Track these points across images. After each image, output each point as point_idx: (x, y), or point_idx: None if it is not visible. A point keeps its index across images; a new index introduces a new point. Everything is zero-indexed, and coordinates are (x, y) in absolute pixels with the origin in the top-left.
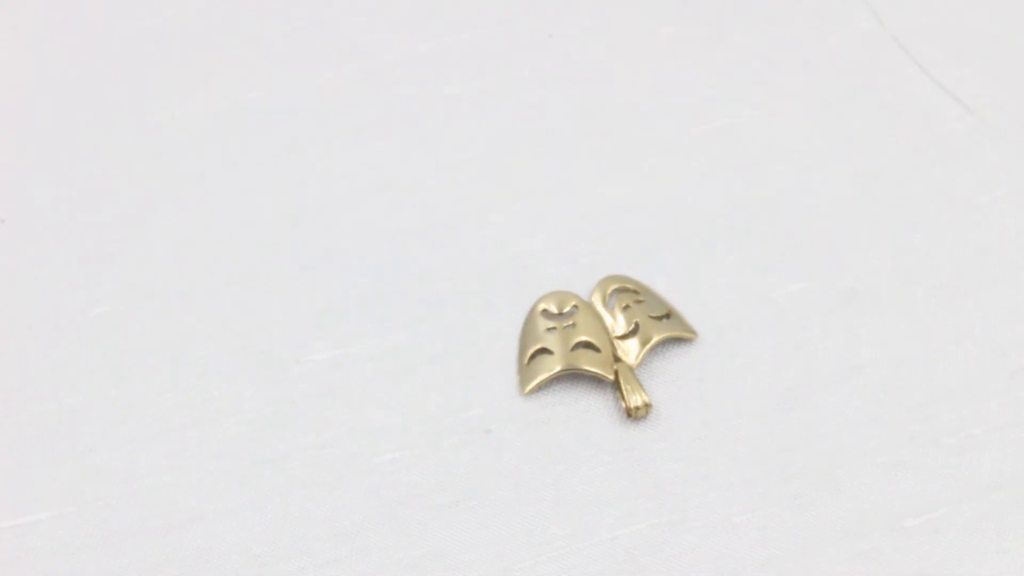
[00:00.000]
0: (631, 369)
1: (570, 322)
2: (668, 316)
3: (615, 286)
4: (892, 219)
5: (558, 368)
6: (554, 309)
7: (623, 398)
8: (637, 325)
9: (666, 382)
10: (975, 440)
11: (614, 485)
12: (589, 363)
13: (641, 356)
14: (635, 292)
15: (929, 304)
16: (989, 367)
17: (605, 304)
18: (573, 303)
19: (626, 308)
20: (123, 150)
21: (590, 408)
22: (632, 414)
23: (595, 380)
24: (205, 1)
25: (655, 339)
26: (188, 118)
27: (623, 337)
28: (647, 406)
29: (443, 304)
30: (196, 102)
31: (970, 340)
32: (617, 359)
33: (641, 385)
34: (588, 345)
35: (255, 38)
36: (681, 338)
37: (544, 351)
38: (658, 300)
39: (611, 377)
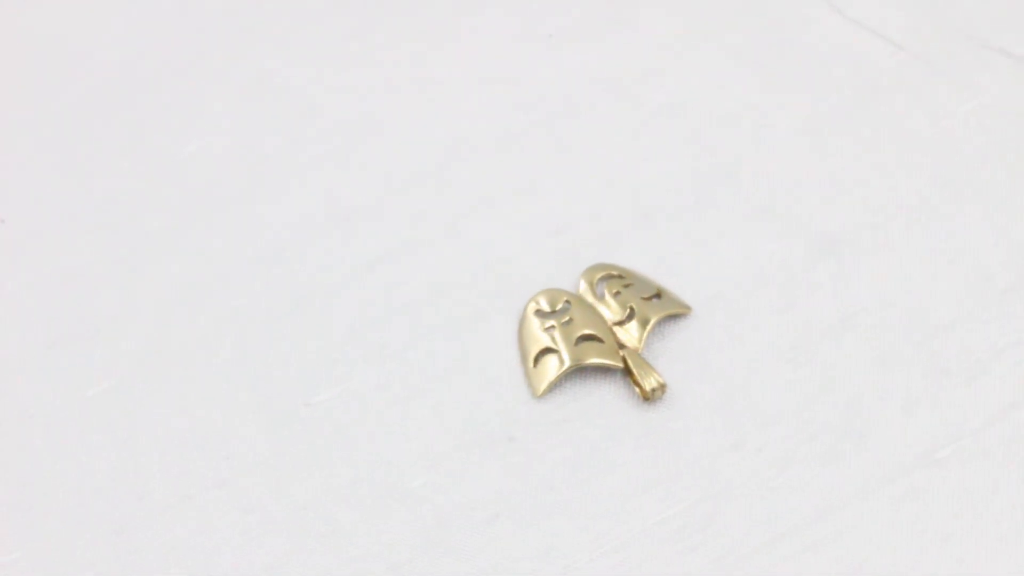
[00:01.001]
0: (638, 353)
1: (566, 318)
2: (659, 296)
3: (600, 274)
4: (850, 163)
5: (568, 365)
6: (547, 308)
7: (637, 383)
8: (632, 309)
9: (671, 360)
10: (983, 364)
11: (648, 470)
12: (596, 355)
13: (644, 338)
14: (621, 277)
15: (906, 240)
16: (979, 291)
17: (595, 294)
18: (564, 299)
19: (617, 294)
20: (79, 221)
21: (605, 399)
22: (649, 397)
23: (602, 371)
24: (129, 57)
25: (653, 320)
26: (136, 177)
27: (621, 323)
28: (663, 386)
29: (434, 323)
30: (142, 160)
31: (954, 268)
32: (621, 346)
33: (652, 367)
34: (590, 337)
35: (189, 89)
36: (676, 315)
37: (548, 351)
38: (645, 281)
39: (620, 365)
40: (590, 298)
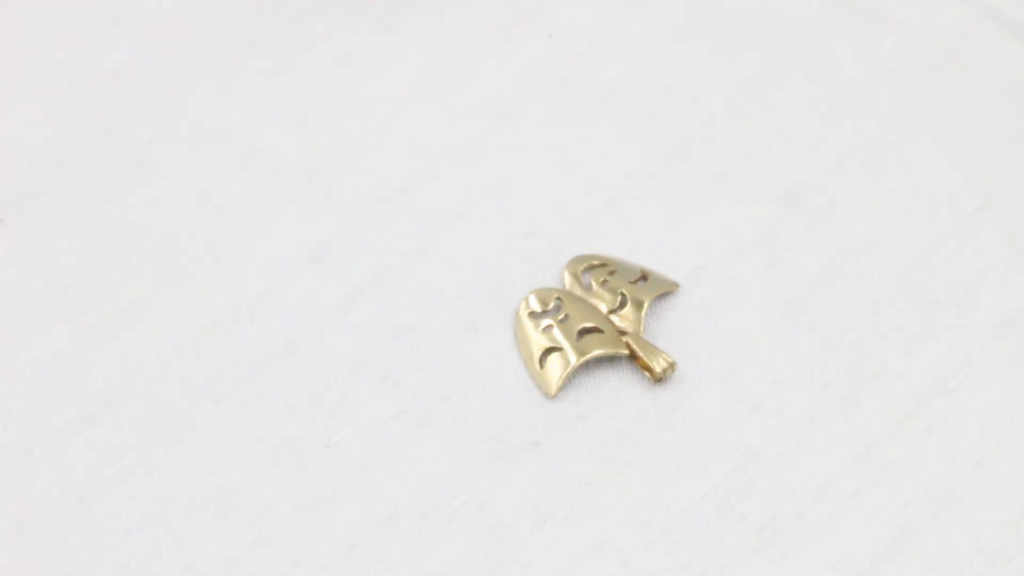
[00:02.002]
0: (640, 337)
1: (562, 315)
2: (644, 278)
3: (584, 266)
4: (795, 116)
5: (576, 361)
6: (539, 308)
7: (646, 366)
8: (623, 295)
9: (672, 338)
10: (969, 286)
11: (675, 450)
12: (600, 346)
13: (642, 322)
14: (604, 265)
15: (867, 181)
16: (949, 218)
17: (582, 286)
18: (555, 296)
19: (604, 283)
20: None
21: (616, 387)
22: (661, 377)
23: (607, 360)
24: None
25: (647, 302)
26: (104, 238)
27: (616, 311)
28: (672, 365)
29: (430, 343)
30: (109, 216)
31: (919, 200)
32: (622, 332)
33: (657, 348)
34: (591, 330)
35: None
36: (666, 293)
37: (552, 350)
38: (627, 266)
39: (626, 351)
40: (579, 291)
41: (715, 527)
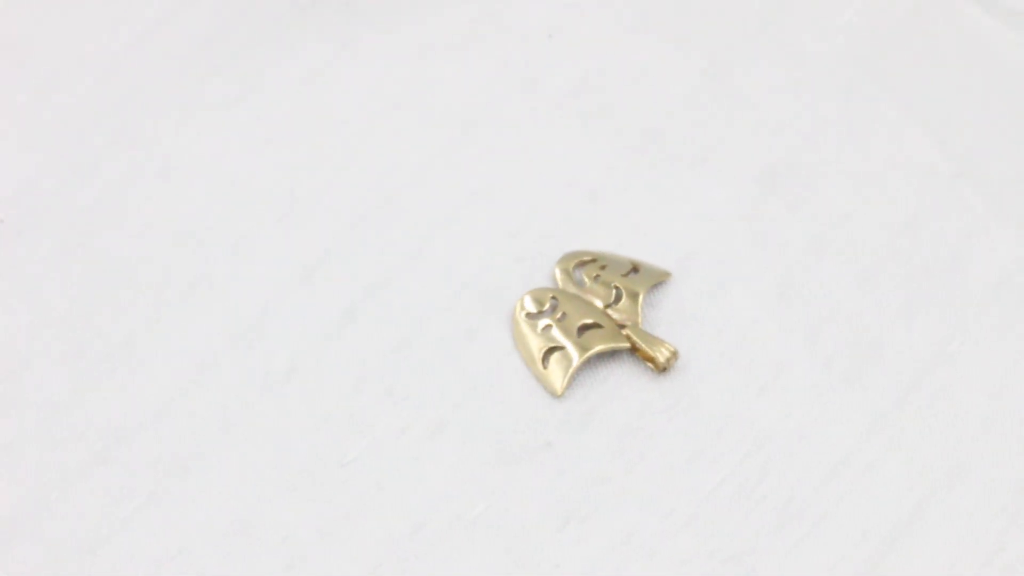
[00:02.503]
0: (639, 328)
1: (559, 314)
2: (636, 270)
3: (574, 262)
4: (761, 97)
5: (580, 358)
6: (535, 308)
7: (648, 357)
8: (617, 288)
9: (670, 327)
10: (957, 250)
11: (688, 437)
12: (602, 341)
13: (640, 313)
14: (594, 260)
15: (841, 155)
16: (929, 184)
17: (575, 283)
18: (550, 296)
19: (597, 278)
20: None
21: (620, 381)
22: (665, 367)
23: (609, 355)
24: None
25: (642, 293)
26: (90, 274)
27: (612, 304)
28: (675, 353)
29: (429, 354)
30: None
31: (897, 170)
32: (621, 326)
33: (658, 338)
34: (590, 326)
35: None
36: (659, 283)
37: (553, 349)
38: (617, 259)
39: (627, 344)
40: (573, 288)
41: (737, 510)
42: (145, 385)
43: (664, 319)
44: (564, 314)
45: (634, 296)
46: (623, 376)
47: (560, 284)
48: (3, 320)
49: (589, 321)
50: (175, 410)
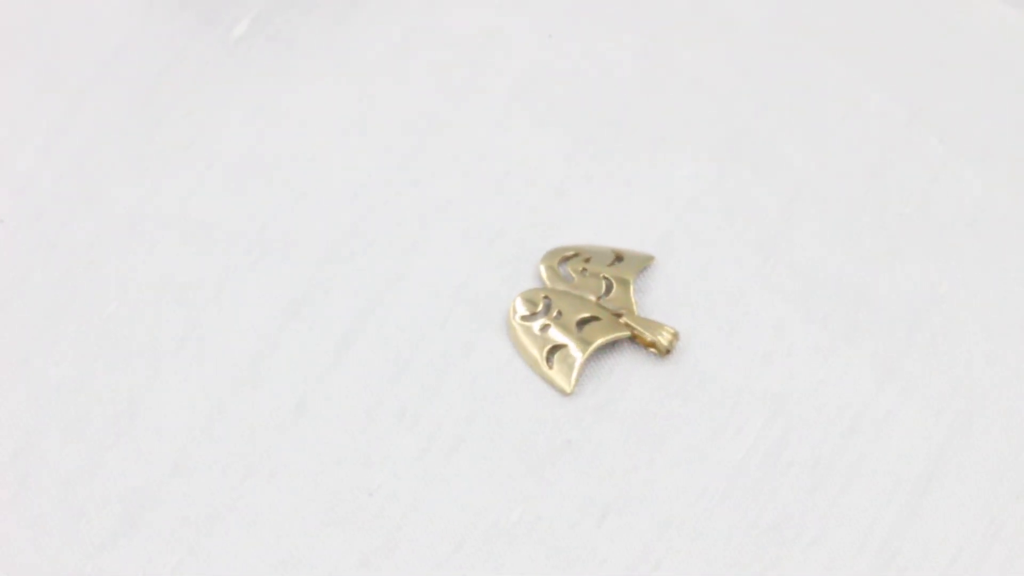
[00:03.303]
0: (636, 315)
1: (554, 312)
2: (620, 258)
3: (557, 259)
4: (704, 69)
5: (584, 353)
6: (529, 310)
7: (650, 343)
8: (606, 279)
9: (665, 309)
10: (926, 193)
11: (705, 417)
12: (603, 333)
13: (633, 300)
14: (576, 254)
15: (795, 114)
16: (884, 133)
17: (562, 279)
18: (542, 295)
19: (583, 271)
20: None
21: (627, 370)
22: (668, 349)
23: (610, 347)
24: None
25: (631, 281)
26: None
27: (604, 296)
28: (676, 335)
29: (432, 372)
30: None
31: (852, 121)
32: (617, 315)
33: (657, 322)
34: (588, 320)
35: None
36: (645, 267)
37: (556, 348)
38: (600, 250)
39: (628, 333)
40: (562, 285)
41: (768, 479)
42: (157, 444)
43: (657, 303)
44: (559, 312)
45: (624, 284)
46: (628, 365)
47: (548, 282)
48: (3, 396)
49: (586, 315)
50: (193, 464)
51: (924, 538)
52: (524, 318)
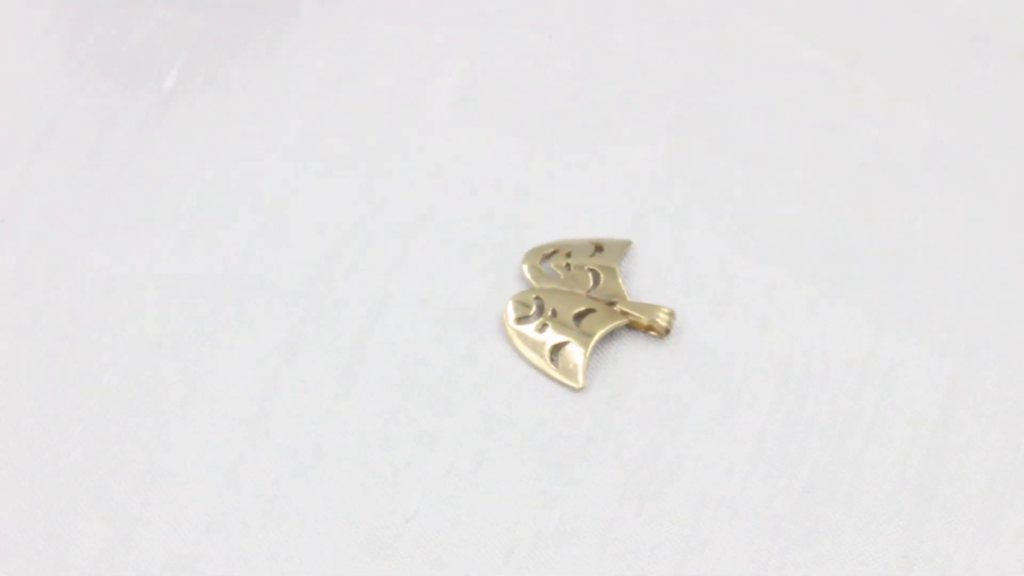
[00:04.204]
0: (629, 301)
1: (549, 311)
2: (600, 248)
3: (538, 257)
4: (639, 46)
5: (588, 346)
6: (523, 313)
7: (648, 325)
8: (592, 270)
9: (654, 292)
10: (875, 131)
11: (719, 391)
12: (601, 324)
13: (623, 287)
14: (556, 250)
15: (739, 78)
16: (829, 83)
17: (548, 276)
18: (533, 296)
19: (567, 266)
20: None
21: (631, 357)
22: (667, 328)
23: (608, 337)
24: None
25: (617, 267)
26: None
27: (593, 287)
28: (672, 314)
29: (439, 390)
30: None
31: (795, 76)
32: (611, 304)
33: (652, 304)
34: (584, 313)
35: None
36: (625, 253)
37: (558, 346)
38: (578, 243)
39: (625, 320)
40: (550, 283)
41: (793, 440)
42: (185, 505)
43: (645, 286)
44: (554, 310)
45: (611, 272)
46: (630, 352)
47: (533, 282)
48: (19, 484)
49: (581, 309)
50: (225, 519)
51: (956, 474)
52: (520, 321)
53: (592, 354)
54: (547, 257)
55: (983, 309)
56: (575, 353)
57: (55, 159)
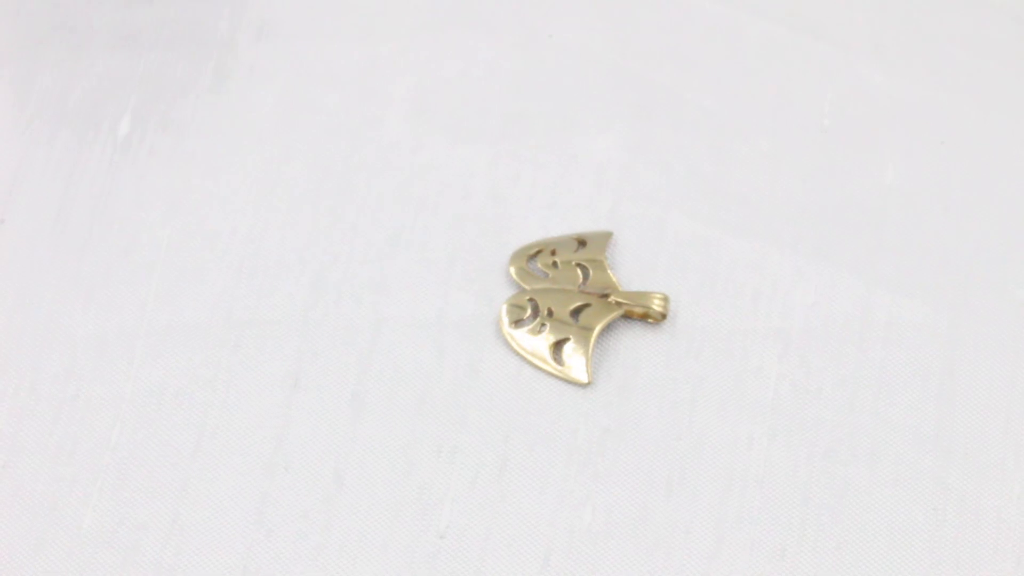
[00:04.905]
0: (622, 291)
1: (545, 311)
2: (583, 242)
3: (524, 258)
4: (574, 42)
5: (591, 340)
6: (518, 316)
7: (644, 313)
8: (580, 265)
9: (644, 279)
10: (826, 89)
11: (724, 365)
12: (599, 317)
13: (614, 278)
14: (540, 250)
15: (678, 58)
16: (764, 47)
17: (537, 276)
18: (526, 298)
19: (554, 264)
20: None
21: (632, 346)
22: (664, 312)
23: (606, 330)
24: None
25: (604, 259)
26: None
27: (584, 281)
28: (666, 298)
29: (450, 404)
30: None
31: (731, 48)
32: (604, 295)
33: (645, 292)
34: (580, 308)
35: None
36: (607, 243)
37: (560, 343)
38: (560, 240)
39: (621, 310)
40: (540, 283)
41: (806, 406)
42: (218, 553)
43: (632, 274)
44: (550, 309)
45: (599, 265)
46: (629, 340)
47: (522, 283)
48: (42, 553)
49: (577, 304)
50: (261, 560)
51: (971, 420)
52: (516, 325)
53: (594, 348)
54: (532, 257)
55: (965, 256)
56: (578, 349)
57: (24, 218)
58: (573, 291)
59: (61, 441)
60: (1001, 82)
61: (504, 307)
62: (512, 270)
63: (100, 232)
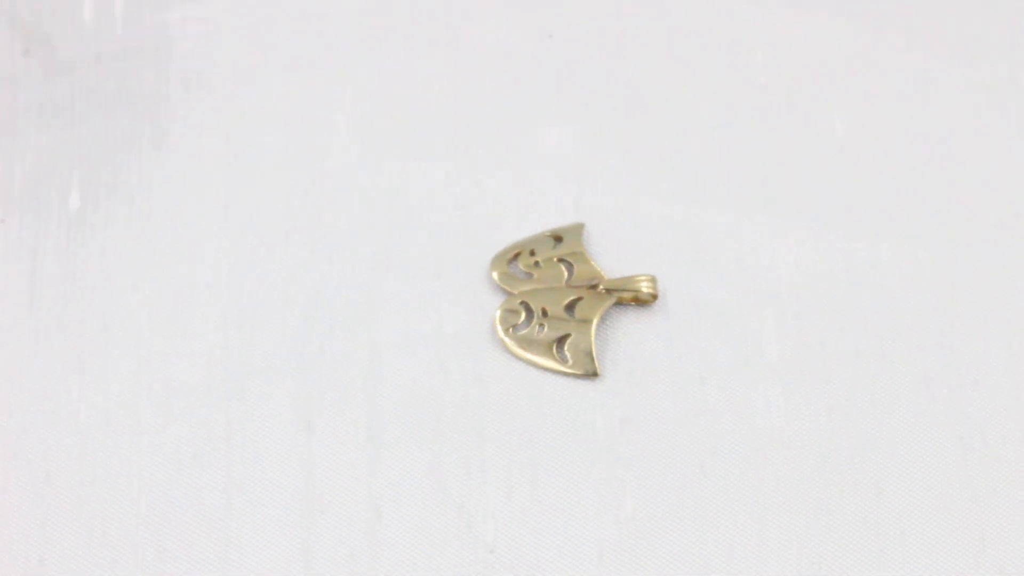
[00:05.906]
0: (609, 280)
1: (539, 311)
2: (559, 238)
3: (504, 261)
4: (514, 39)
5: (591, 332)
6: (513, 321)
7: (633, 299)
8: (563, 260)
9: (626, 265)
10: (771, 62)
11: (727, 338)
12: (594, 309)
13: (598, 267)
14: (519, 251)
15: (648, 45)
16: (735, 27)
17: (521, 278)
18: (517, 301)
19: (536, 264)
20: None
21: (630, 332)
22: (654, 293)
23: (601, 321)
24: None
25: (585, 252)
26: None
27: (570, 276)
28: (654, 279)
29: (465, 417)
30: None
31: (700, 29)
32: (593, 287)
33: (632, 276)
34: (574, 303)
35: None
36: (582, 235)
37: (561, 340)
38: (537, 239)
39: (614, 298)
40: (527, 285)
41: (815, 368)
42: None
43: (613, 261)
44: (543, 308)
45: (581, 257)
46: (626, 327)
47: (507, 287)
48: None
49: (569, 299)
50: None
51: (978, 352)
52: (513, 328)
53: (596, 339)
54: (512, 260)
55: (942, 196)
56: (580, 343)
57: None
58: (561, 287)
59: (90, 525)
60: (919, 16)
61: (498, 314)
62: (495, 275)
63: (75, 310)
